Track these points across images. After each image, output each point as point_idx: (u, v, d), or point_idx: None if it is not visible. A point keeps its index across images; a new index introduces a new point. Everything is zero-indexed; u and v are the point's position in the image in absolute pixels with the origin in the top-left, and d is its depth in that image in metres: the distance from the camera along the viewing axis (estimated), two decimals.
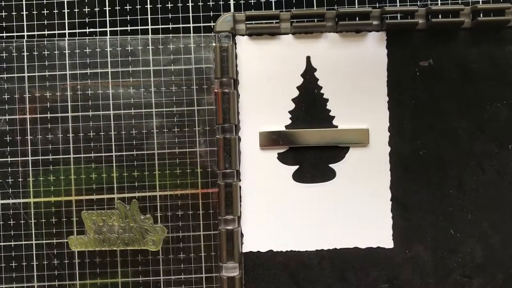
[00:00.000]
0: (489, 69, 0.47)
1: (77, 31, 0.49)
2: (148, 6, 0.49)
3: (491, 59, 0.47)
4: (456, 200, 0.47)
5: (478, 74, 0.47)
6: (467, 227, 0.47)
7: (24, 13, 0.49)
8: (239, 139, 0.47)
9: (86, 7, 0.49)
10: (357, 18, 0.47)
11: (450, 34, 0.47)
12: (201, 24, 0.49)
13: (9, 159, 0.48)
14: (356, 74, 0.47)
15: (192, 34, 0.48)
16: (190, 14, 0.49)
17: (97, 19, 0.49)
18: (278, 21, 0.47)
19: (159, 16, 0.49)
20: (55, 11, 0.49)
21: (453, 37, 0.47)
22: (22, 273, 0.48)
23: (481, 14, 0.47)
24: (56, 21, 0.49)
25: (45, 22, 0.49)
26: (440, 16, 0.47)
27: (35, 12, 0.49)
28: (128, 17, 0.49)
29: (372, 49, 0.47)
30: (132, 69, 0.48)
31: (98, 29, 0.49)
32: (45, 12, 0.49)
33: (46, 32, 0.49)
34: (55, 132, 0.48)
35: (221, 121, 0.47)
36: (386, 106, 0.47)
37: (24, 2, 0.49)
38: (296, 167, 0.48)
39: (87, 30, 0.49)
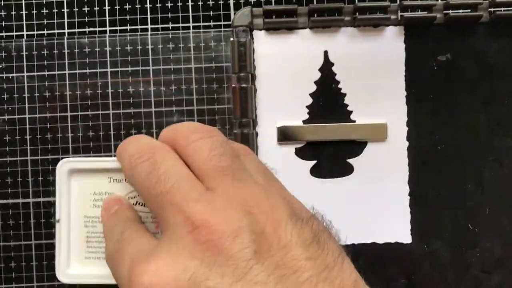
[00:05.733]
0: (508, 63, 0.47)
1: (76, 30, 0.48)
2: (148, 5, 0.48)
3: (509, 53, 0.47)
4: (474, 195, 0.47)
5: (496, 69, 0.47)
6: (485, 222, 0.47)
7: (24, 12, 0.49)
8: (257, 134, 0.47)
9: (86, 6, 0.48)
10: (378, 12, 0.47)
11: (468, 28, 0.47)
12: (201, 23, 0.49)
13: (8, 158, 0.48)
14: (374, 69, 0.47)
15: (212, 30, 0.48)
16: (190, 14, 0.49)
17: (97, 19, 0.48)
18: (295, 16, 0.47)
19: (159, 15, 0.48)
20: (55, 10, 0.48)
21: (472, 31, 0.47)
22: (22, 273, 0.47)
23: (502, 9, 0.47)
24: (55, 21, 0.48)
25: (45, 21, 0.48)
26: (458, 9, 0.47)
27: (34, 12, 0.49)
28: (128, 17, 0.49)
29: (390, 44, 0.47)
30: (131, 69, 0.48)
31: (97, 28, 0.48)
32: (44, 11, 0.48)
33: (45, 32, 0.48)
34: (54, 131, 0.48)
35: (239, 117, 0.46)
36: (404, 100, 0.47)
37: (23, 2, 0.49)
38: (314, 162, 0.47)
39: (87, 29, 0.48)
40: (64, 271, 0.40)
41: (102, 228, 0.40)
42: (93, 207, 0.41)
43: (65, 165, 0.41)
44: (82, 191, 0.41)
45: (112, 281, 0.36)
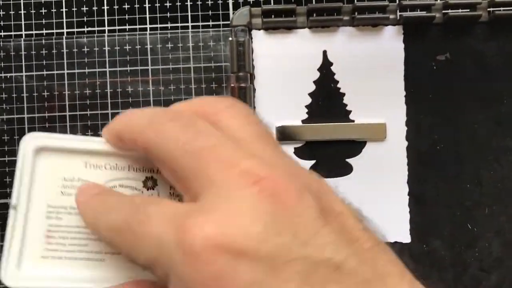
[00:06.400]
0: (507, 63, 0.47)
1: (75, 30, 0.48)
2: (147, 5, 0.48)
3: (508, 53, 0.47)
4: (473, 195, 0.47)
5: (495, 68, 0.47)
6: (484, 221, 0.47)
7: (22, 12, 0.49)
8: None
9: (84, 6, 0.48)
10: (376, 12, 0.47)
11: (467, 27, 0.47)
12: (200, 23, 0.48)
13: (6, 158, 0.48)
14: (373, 68, 0.47)
15: (211, 29, 0.48)
16: (189, 14, 0.49)
17: (95, 18, 0.48)
18: (294, 15, 0.47)
19: (158, 15, 0.48)
20: (53, 10, 0.48)
21: (470, 30, 0.47)
22: None
23: (501, 9, 0.47)
24: (54, 20, 0.48)
25: (43, 21, 0.48)
26: (457, 9, 0.47)
27: (33, 11, 0.48)
28: (126, 16, 0.49)
29: (389, 43, 0.47)
30: (130, 68, 0.48)
31: (96, 28, 0.48)
32: (43, 11, 0.48)
33: (44, 31, 0.48)
34: (53, 131, 0.48)
35: None
36: (403, 100, 0.47)
37: (22, 1, 0.49)
38: (313, 161, 0.47)
39: (85, 29, 0.48)
40: (13, 271, 0.32)
41: (69, 221, 0.33)
42: (60, 195, 0.33)
43: (32, 141, 0.33)
44: (49, 175, 0.33)
45: (73, 285, 0.31)
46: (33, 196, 0.33)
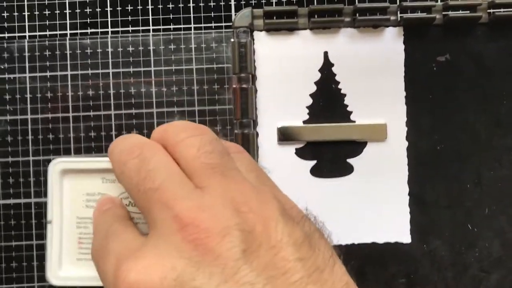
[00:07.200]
0: (507, 63, 0.47)
1: (78, 31, 0.49)
2: (149, 6, 0.49)
3: (508, 54, 0.47)
4: (473, 195, 0.47)
5: (495, 69, 0.47)
6: (484, 221, 0.47)
7: (26, 13, 0.49)
8: (257, 134, 0.47)
9: (88, 7, 0.49)
10: (377, 13, 0.47)
11: (468, 29, 0.47)
12: (202, 24, 0.49)
13: (10, 159, 0.48)
14: (374, 69, 0.47)
15: (213, 31, 0.48)
16: (191, 15, 0.49)
17: (99, 20, 0.49)
18: (296, 17, 0.47)
19: (160, 16, 0.49)
20: (57, 11, 0.49)
21: (471, 32, 0.47)
22: (23, 273, 0.48)
23: (501, 10, 0.47)
24: (57, 22, 0.49)
25: (47, 22, 0.49)
26: (457, 10, 0.48)
27: (36, 13, 0.49)
28: (129, 18, 0.49)
29: (390, 44, 0.47)
30: (133, 69, 0.48)
31: (99, 29, 0.49)
32: (46, 12, 0.49)
33: (47, 33, 0.49)
34: (56, 132, 0.48)
35: (239, 117, 0.47)
36: (404, 101, 0.47)
37: (25, 3, 0.49)
38: (314, 162, 0.47)
39: (89, 30, 0.49)
40: (56, 273, 0.40)
41: None
42: (85, 208, 0.40)
43: (57, 165, 0.40)
44: (74, 192, 0.40)
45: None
46: (64, 210, 0.40)
